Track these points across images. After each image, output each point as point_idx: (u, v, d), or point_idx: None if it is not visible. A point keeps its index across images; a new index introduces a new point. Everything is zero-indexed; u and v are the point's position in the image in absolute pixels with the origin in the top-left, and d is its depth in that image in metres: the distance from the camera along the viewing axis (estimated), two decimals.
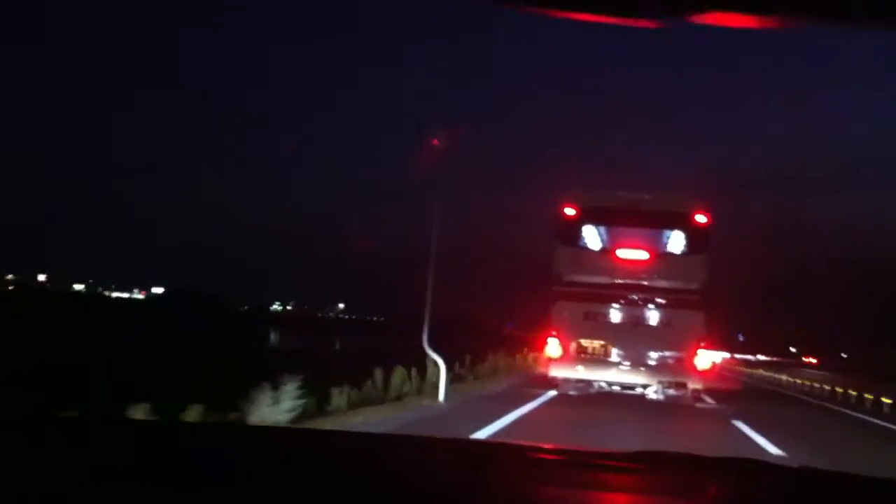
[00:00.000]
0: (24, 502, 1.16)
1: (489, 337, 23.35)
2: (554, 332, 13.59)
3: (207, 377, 9.94)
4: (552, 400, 13.21)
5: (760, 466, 1.70)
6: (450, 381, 12.38)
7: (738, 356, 67.72)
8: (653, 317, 13.71)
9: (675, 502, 1.46)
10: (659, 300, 13.65)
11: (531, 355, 23.61)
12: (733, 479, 1.62)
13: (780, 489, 1.58)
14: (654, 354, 13.34)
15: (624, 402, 12.89)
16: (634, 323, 13.67)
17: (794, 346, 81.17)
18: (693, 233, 13.53)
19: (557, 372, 13.69)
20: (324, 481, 1.39)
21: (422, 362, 12.88)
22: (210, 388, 8.05)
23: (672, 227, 13.66)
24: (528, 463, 1.74)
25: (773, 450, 8.71)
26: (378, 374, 11.43)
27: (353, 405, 9.75)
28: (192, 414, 6.39)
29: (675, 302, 13.51)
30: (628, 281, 13.65)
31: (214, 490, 1.29)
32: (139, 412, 5.81)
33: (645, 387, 13.46)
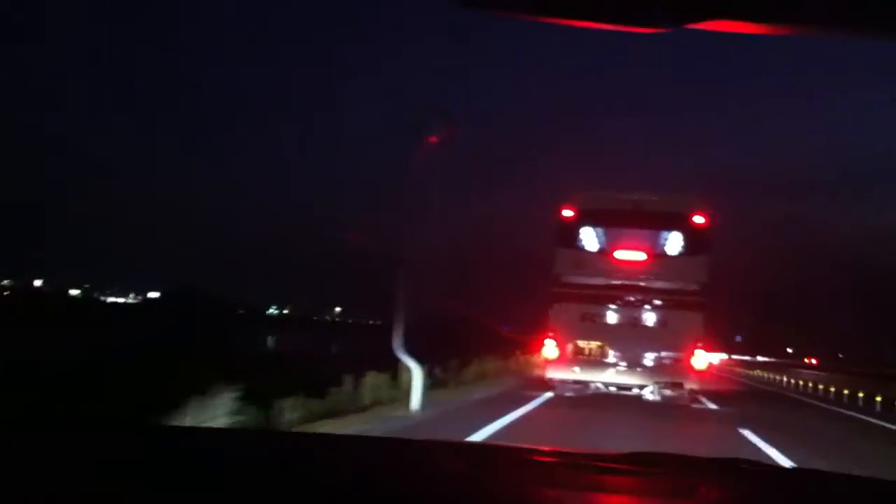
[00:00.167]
0: (22, 502, 1.16)
1: (483, 339, 22.48)
2: (551, 334, 13.59)
3: (167, 384, 8.36)
4: (538, 408, 12.44)
5: (757, 467, 1.70)
6: (428, 388, 11.40)
7: (736, 357, 67.62)
8: (651, 318, 13.73)
9: (671, 502, 1.45)
10: (657, 301, 13.68)
11: (523, 358, 22.97)
12: (729, 480, 1.61)
13: (777, 490, 1.58)
14: (651, 355, 13.37)
15: (620, 410, 12.38)
16: (632, 324, 13.69)
17: (790, 347, 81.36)
18: (692, 234, 13.56)
19: (554, 373, 13.72)
20: (320, 485, 1.38)
21: (402, 367, 11.89)
22: (152, 397, 7.04)
23: (670, 228, 13.69)
24: (523, 465, 1.74)
25: (789, 464, 7.80)
26: (348, 380, 10.25)
27: (309, 418, 8.43)
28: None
29: (673, 303, 13.54)
30: (627, 282, 13.68)
31: (209, 495, 1.28)
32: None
33: (642, 387, 13.48)
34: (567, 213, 13.90)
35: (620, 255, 13.74)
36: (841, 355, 73.05)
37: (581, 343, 13.60)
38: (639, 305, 13.74)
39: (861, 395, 20.17)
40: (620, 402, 13.12)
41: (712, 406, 14.65)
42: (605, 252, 13.84)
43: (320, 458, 1.69)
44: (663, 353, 13.33)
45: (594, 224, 13.92)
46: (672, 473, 1.64)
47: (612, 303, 13.78)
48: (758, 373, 41.48)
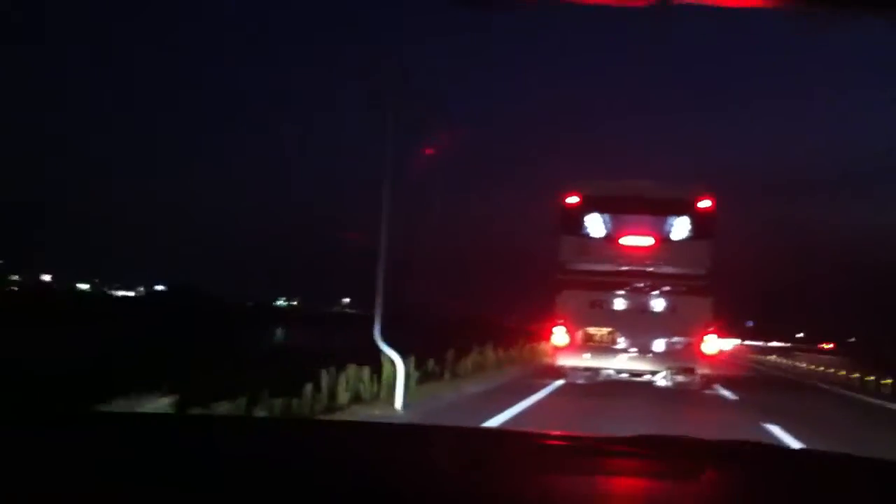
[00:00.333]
0: (22, 501, 1.15)
1: (485, 330, 21.66)
2: (560, 321, 13.58)
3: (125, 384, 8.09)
4: (541, 401, 11.48)
5: (763, 449, 1.71)
6: (416, 382, 10.44)
7: (748, 343, 67.30)
8: (659, 303, 13.70)
9: (677, 485, 1.45)
10: (665, 287, 13.66)
11: (527, 347, 22.28)
12: (735, 462, 1.61)
13: (783, 472, 1.58)
14: (661, 341, 13.34)
15: (632, 399, 11.98)
16: (641, 310, 13.67)
17: (801, 332, 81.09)
18: (697, 218, 13.53)
19: (565, 360, 13.72)
20: (325, 473, 1.39)
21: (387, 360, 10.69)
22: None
23: (676, 214, 13.68)
24: (528, 449, 1.75)
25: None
26: (325, 376, 8.90)
27: None
28: None
29: (681, 288, 13.52)
30: (633, 268, 13.66)
31: (207, 484, 1.27)
32: None
33: (653, 374, 13.47)
34: (572, 199, 13.89)
35: (626, 240, 13.73)
36: (852, 339, 72.79)
37: (591, 330, 13.59)
38: (647, 291, 13.72)
39: (888, 382, 18.67)
40: (631, 392, 12.91)
41: (732, 397, 13.68)
42: (610, 238, 13.83)
43: (325, 445, 1.69)
44: (674, 339, 13.32)
45: (599, 210, 13.92)
46: (678, 456, 1.63)
47: (620, 289, 13.76)
48: (773, 358, 40.27)
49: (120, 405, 5.72)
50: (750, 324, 73.97)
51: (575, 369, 13.82)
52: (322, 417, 7.87)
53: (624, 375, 13.76)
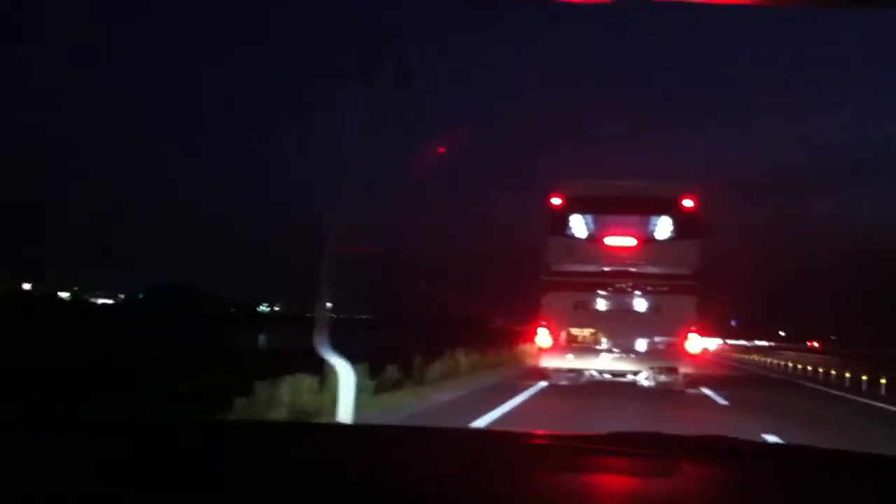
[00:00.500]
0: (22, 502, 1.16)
1: (465, 332, 20.95)
2: (544, 323, 13.51)
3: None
4: (511, 412, 10.28)
5: (739, 444, 1.72)
6: (371, 392, 9.38)
7: (731, 342, 67.27)
8: (643, 303, 13.68)
9: (655, 480, 1.46)
10: (649, 286, 13.63)
11: (511, 349, 21.66)
12: (712, 457, 1.62)
13: (760, 467, 1.59)
14: (644, 341, 13.32)
15: (614, 401, 11.86)
16: (625, 310, 13.64)
17: (783, 331, 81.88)
18: (681, 218, 13.53)
19: (548, 362, 13.66)
20: (322, 475, 1.40)
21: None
22: None
23: (660, 214, 13.67)
24: (509, 448, 1.76)
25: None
26: (259, 389, 7.83)
27: None
28: None
29: (665, 288, 13.50)
30: (618, 268, 13.64)
31: (206, 487, 1.28)
32: None
33: (636, 373, 13.43)
34: (556, 200, 13.85)
35: (611, 241, 13.71)
36: (833, 337, 73.52)
37: (574, 331, 13.54)
38: (631, 291, 13.70)
39: (884, 381, 17.40)
40: (613, 394, 12.79)
41: (727, 405, 12.71)
42: (595, 239, 13.80)
43: (319, 448, 1.70)
44: (657, 339, 13.30)
45: (583, 211, 13.91)
46: (655, 452, 1.64)
47: (605, 289, 13.72)
48: (757, 357, 38.82)
49: None
50: (734, 323, 74.55)
51: (558, 371, 13.77)
52: None
53: (607, 376, 13.71)
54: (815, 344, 60.38)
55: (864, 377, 18.72)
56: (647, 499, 1.38)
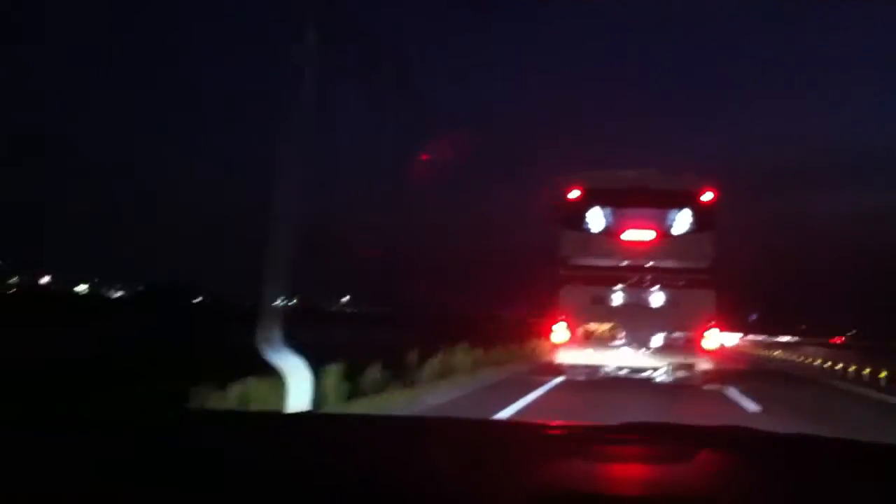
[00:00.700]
0: (22, 501, 1.15)
1: (470, 329, 20.03)
2: (561, 317, 13.37)
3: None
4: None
5: (754, 434, 1.73)
6: (345, 398, 8.49)
7: (752, 337, 64.71)
8: (661, 298, 13.51)
9: (670, 468, 1.47)
10: (667, 280, 13.45)
11: (519, 345, 20.77)
12: (727, 446, 1.63)
13: (774, 456, 1.59)
14: (662, 336, 13.16)
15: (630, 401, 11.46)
16: (643, 305, 13.48)
17: (803, 325, 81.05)
18: (699, 211, 13.36)
19: (565, 358, 13.53)
20: (328, 468, 1.39)
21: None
22: None
23: (678, 206, 13.48)
24: (527, 438, 1.77)
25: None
26: (196, 395, 6.99)
27: None
28: None
29: (683, 282, 13.34)
30: (635, 262, 13.47)
31: (207, 483, 1.27)
32: None
33: (654, 369, 13.26)
34: (573, 193, 13.68)
35: (628, 234, 13.55)
36: (854, 332, 72.68)
37: (591, 326, 13.40)
38: (649, 286, 13.53)
39: None
40: (631, 390, 12.55)
41: (758, 411, 10.56)
42: (612, 232, 13.64)
43: (329, 440, 1.70)
44: (675, 334, 13.13)
45: (601, 204, 13.71)
46: (670, 442, 1.66)
47: (622, 284, 13.57)
48: (781, 354, 33.03)
49: None
50: (753, 317, 73.70)
51: (575, 366, 13.63)
52: None
53: (624, 372, 13.54)
54: (839, 340, 59.13)
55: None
56: (661, 485, 1.38)
